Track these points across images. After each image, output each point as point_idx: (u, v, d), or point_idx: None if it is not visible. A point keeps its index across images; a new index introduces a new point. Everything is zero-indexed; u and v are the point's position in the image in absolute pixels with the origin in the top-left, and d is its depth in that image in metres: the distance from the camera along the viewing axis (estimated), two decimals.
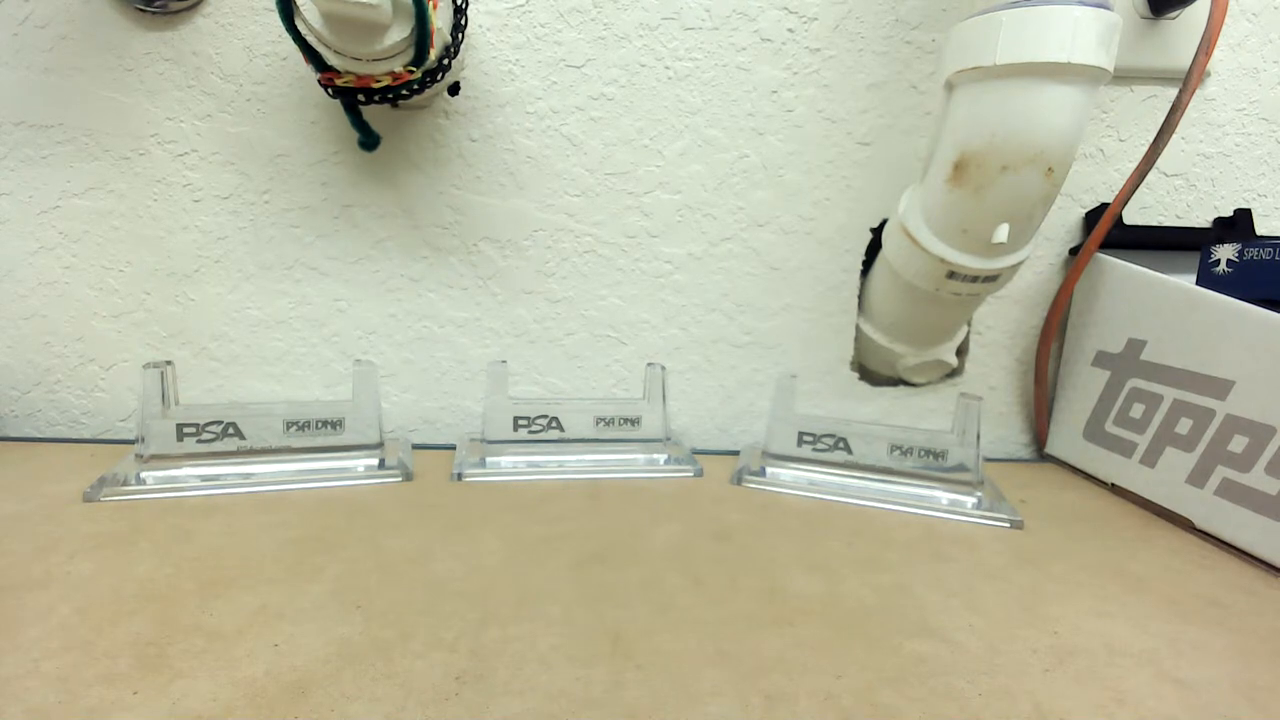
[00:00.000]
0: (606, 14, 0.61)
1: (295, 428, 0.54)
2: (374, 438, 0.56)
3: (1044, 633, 0.38)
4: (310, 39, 0.47)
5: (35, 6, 0.57)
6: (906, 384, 0.69)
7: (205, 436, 0.52)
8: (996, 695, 0.32)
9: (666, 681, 0.32)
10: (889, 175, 0.64)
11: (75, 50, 0.58)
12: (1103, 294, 0.62)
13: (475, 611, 0.37)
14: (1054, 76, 0.44)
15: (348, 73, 0.48)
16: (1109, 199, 0.65)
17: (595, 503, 0.52)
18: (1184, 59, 0.56)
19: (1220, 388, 0.51)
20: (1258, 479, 0.48)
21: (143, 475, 0.51)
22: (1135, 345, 0.59)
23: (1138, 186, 0.57)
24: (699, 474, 0.59)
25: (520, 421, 0.58)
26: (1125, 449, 0.59)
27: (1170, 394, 0.55)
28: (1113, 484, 0.60)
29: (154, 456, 0.51)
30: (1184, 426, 0.54)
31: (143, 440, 0.51)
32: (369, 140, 0.56)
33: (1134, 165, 0.58)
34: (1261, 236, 0.62)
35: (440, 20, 0.48)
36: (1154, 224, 0.66)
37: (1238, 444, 0.49)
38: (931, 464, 0.56)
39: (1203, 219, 0.67)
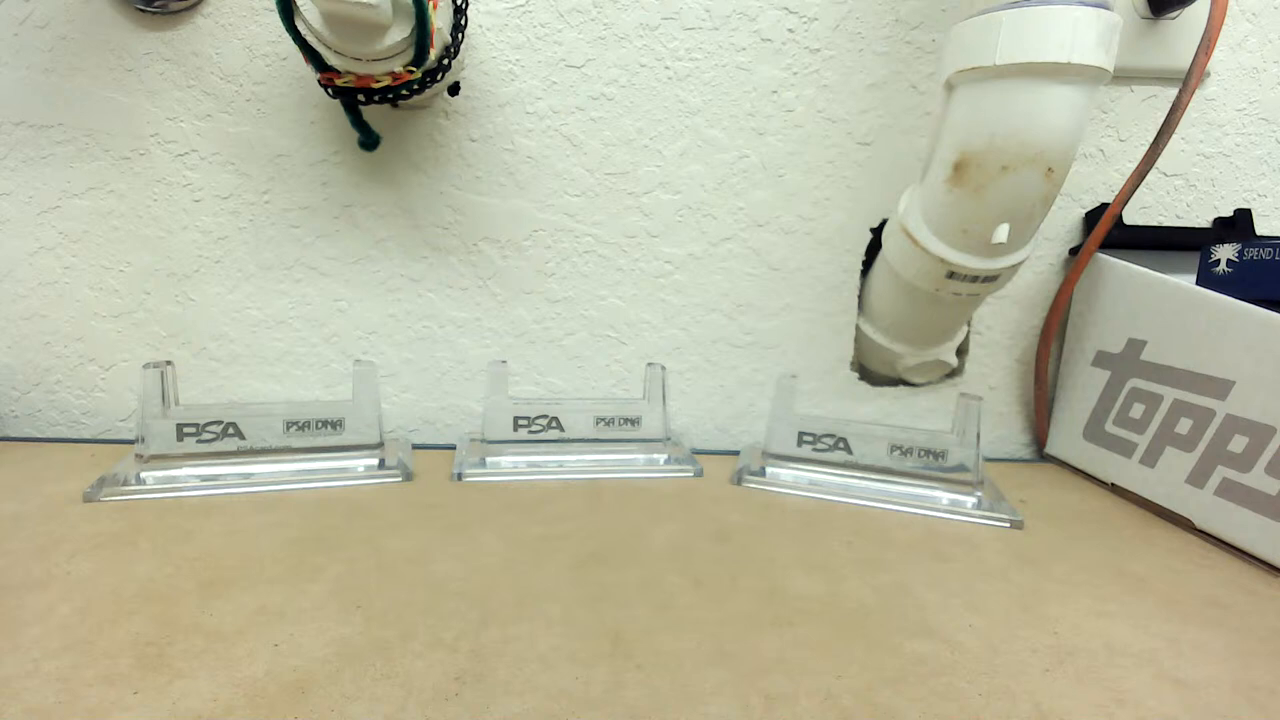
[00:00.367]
0: (606, 14, 0.61)
1: (295, 428, 0.54)
2: (374, 438, 0.56)
3: (1044, 633, 0.38)
4: (310, 39, 0.47)
5: (35, 6, 0.57)
6: (906, 384, 0.69)
7: (205, 436, 0.52)
8: (996, 695, 0.32)
9: (666, 681, 0.32)
10: (889, 175, 0.64)
11: (75, 50, 0.58)
12: (1103, 294, 0.62)
13: (475, 611, 0.37)
14: (1054, 76, 0.44)
15: (348, 73, 0.48)
16: (1109, 199, 0.65)
17: (595, 503, 0.52)
18: (1184, 59, 0.56)
19: (1220, 388, 0.51)
20: (1258, 479, 0.48)
21: (143, 475, 0.51)
22: (1135, 345, 0.59)
23: (1138, 186, 0.57)
24: (699, 474, 0.59)
25: (520, 421, 0.58)
26: (1125, 449, 0.59)
27: (1170, 394, 0.55)
28: (1113, 484, 0.60)
29: (154, 456, 0.51)
30: (1184, 426, 0.54)
31: (143, 440, 0.51)
32: (369, 140, 0.56)
33: (1134, 165, 0.58)
34: (1261, 236, 0.62)
35: (440, 20, 0.48)
36: (1154, 224, 0.66)
37: (1238, 444, 0.49)
38: (931, 464, 0.56)
39: (1203, 219, 0.67)
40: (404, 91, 0.51)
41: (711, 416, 0.68)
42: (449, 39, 0.51)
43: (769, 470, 0.58)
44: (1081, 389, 0.64)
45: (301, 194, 0.61)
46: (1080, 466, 0.64)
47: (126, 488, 0.50)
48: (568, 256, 0.64)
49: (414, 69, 0.48)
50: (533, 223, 0.64)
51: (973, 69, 0.46)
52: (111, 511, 0.47)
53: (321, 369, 0.64)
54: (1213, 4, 0.51)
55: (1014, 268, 0.53)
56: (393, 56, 0.48)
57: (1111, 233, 0.60)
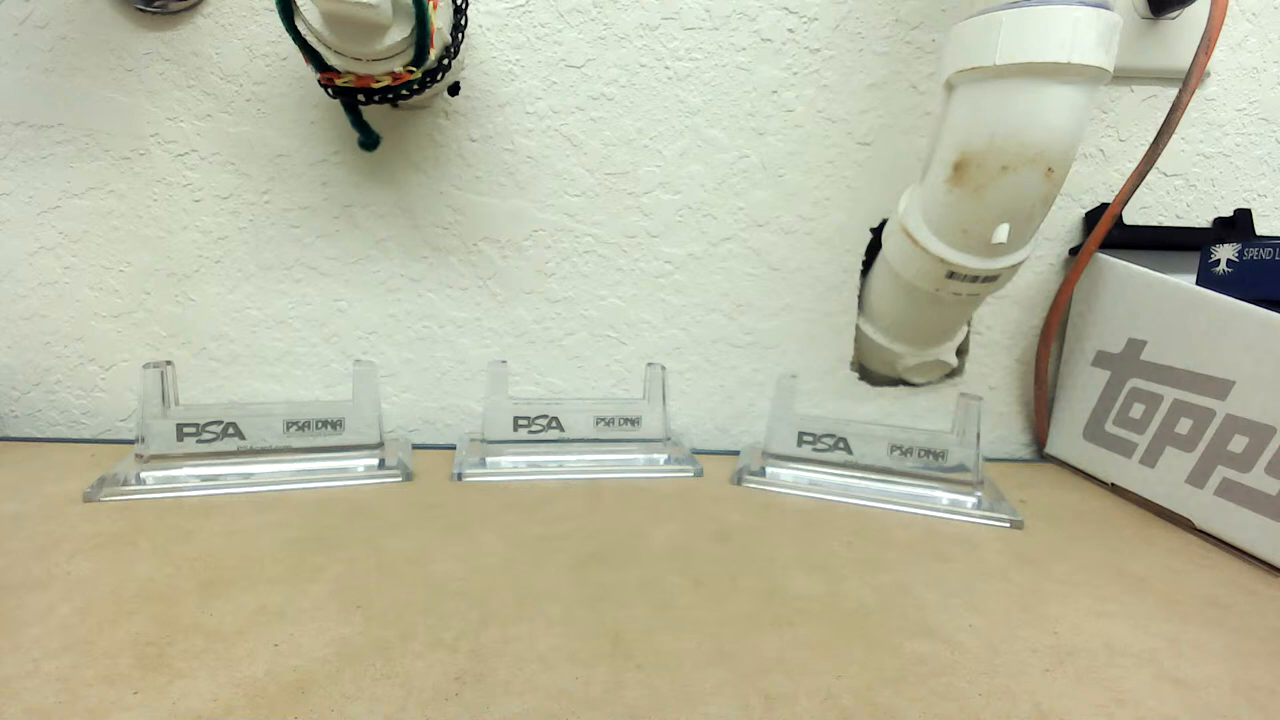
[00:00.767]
0: (606, 14, 0.61)
1: (295, 428, 0.54)
2: (374, 438, 0.56)
3: (1044, 633, 0.38)
4: (310, 39, 0.47)
5: (35, 6, 0.57)
6: (906, 384, 0.69)
7: (205, 436, 0.52)
8: (996, 695, 0.32)
9: (666, 681, 0.32)
10: (889, 175, 0.64)
11: (75, 50, 0.58)
12: (1103, 294, 0.62)
13: (475, 611, 0.37)
14: (1054, 76, 0.44)
15: (348, 73, 0.48)
16: (1109, 199, 0.65)
17: (595, 503, 0.52)
18: (1184, 59, 0.56)
19: (1220, 388, 0.51)
20: (1258, 479, 0.48)
21: (143, 475, 0.51)
22: (1135, 345, 0.59)
23: (1138, 186, 0.57)
24: (699, 474, 0.59)
25: (520, 421, 0.58)
26: (1125, 449, 0.59)
27: (1170, 394, 0.55)
28: (1113, 484, 0.60)
29: (154, 456, 0.51)
30: (1184, 426, 0.54)
31: (143, 440, 0.51)
32: (369, 140, 0.56)
33: (1134, 165, 0.58)
34: (1261, 236, 0.62)
35: (440, 20, 0.48)
36: (1154, 224, 0.66)
37: (1238, 444, 0.49)
38: (931, 464, 0.56)
39: (1203, 219, 0.67)
40: (404, 91, 0.51)
41: (711, 416, 0.68)
42: (449, 39, 0.51)
43: (769, 470, 0.58)
44: (1081, 389, 0.64)
45: (301, 194, 0.61)
46: (1080, 466, 0.64)
47: (126, 488, 0.50)
48: (568, 256, 0.64)
49: (414, 69, 0.48)
50: (533, 223, 0.64)
51: (973, 69, 0.46)
52: (111, 511, 0.47)
53: (321, 369, 0.64)
54: (1213, 4, 0.51)
55: (1014, 268, 0.53)
56: (393, 56, 0.48)
57: (1111, 233, 0.60)
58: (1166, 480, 0.55)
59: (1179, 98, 0.53)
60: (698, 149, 0.63)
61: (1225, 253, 0.55)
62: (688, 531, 0.48)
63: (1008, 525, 0.52)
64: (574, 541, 0.46)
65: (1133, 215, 0.66)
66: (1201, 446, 0.52)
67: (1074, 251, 0.66)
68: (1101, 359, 0.62)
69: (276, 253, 0.62)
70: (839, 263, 0.66)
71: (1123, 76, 0.63)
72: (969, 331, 0.68)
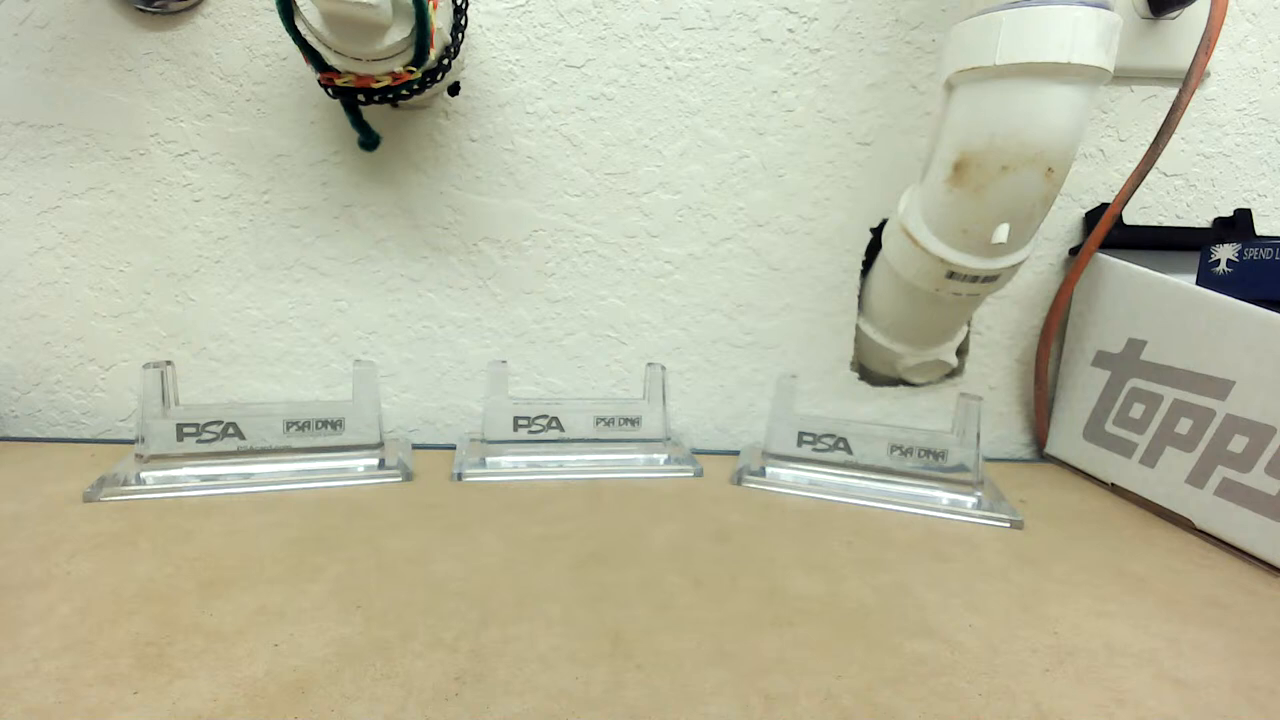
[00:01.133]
0: (606, 14, 0.61)
1: (295, 428, 0.54)
2: (374, 438, 0.56)
3: (1044, 633, 0.38)
4: (310, 39, 0.47)
5: (35, 6, 0.57)
6: (906, 384, 0.69)
7: (205, 436, 0.52)
8: (996, 695, 0.32)
9: (666, 681, 0.32)
10: (889, 175, 0.64)
11: (75, 50, 0.58)
12: (1103, 294, 0.62)
13: (475, 611, 0.37)
14: (1054, 76, 0.44)
15: (348, 73, 0.48)
16: (1109, 199, 0.65)
17: (595, 503, 0.52)
18: (1184, 59, 0.56)
19: (1220, 388, 0.51)
20: (1258, 479, 0.48)
21: (143, 475, 0.51)
22: (1135, 345, 0.59)
23: (1138, 186, 0.57)
24: (699, 474, 0.59)
25: (520, 421, 0.58)
26: (1125, 449, 0.59)
27: (1170, 394, 0.55)
28: (1113, 484, 0.60)
29: (154, 456, 0.51)
30: (1184, 426, 0.54)
31: (143, 440, 0.51)
32: (369, 140, 0.56)
33: (1134, 165, 0.58)
34: (1261, 236, 0.62)
35: (440, 20, 0.48)
36: (1154, 224, 0.66)
37: (1238, 444, 0.49)
38: (931, 464, 0.56)
39: (1203, 219, 0.67)
40: (404, 91, 0.51)
41: (711, 416, 0.68)
42: (449, 39, 0.51)
43: (769, 470, 0.58)
44: (1081, 389, 0.64)
45: (301, 194, 0.61)
46: (1080, 466, 0.64)
47: (126, 488, 0.50)
48: (568, 256, 0.64)
49: (414, 69, 0.48)
50: (533, 223, 0.64)
51: (973, 69, 0.46)
52: (111, 511, 0.47)
53: (321, 369, 0.64)
54: (1213, 4, 0.51)
55: (1014, 268, 0.53)
56: (393, 56, 0.48)
57: (1111, 233, 0.60)
58: (1166, 480, 0.55)
59: (1179, 98, 0.53)
60: (698, 149, 0.63)
61: (1225, 253, 0.55)
62: (688, 531, 0.48)
63: (1008, 525, 0.52)
64: (574, 541, 0.46)
65: (1133, 215, 0.66)
66: (1201, 446, 0.52)
67: (1074, 251, 0.66)
68: (1101, 359, 0.62)
69: (276, 253, 0.62)
70: (839, 263, 0.66)
71: (1123, 76, 0.63)
72: (969, 331, 0.68)
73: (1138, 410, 0.58)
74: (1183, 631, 0.39)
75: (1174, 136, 0.54)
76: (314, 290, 0.63)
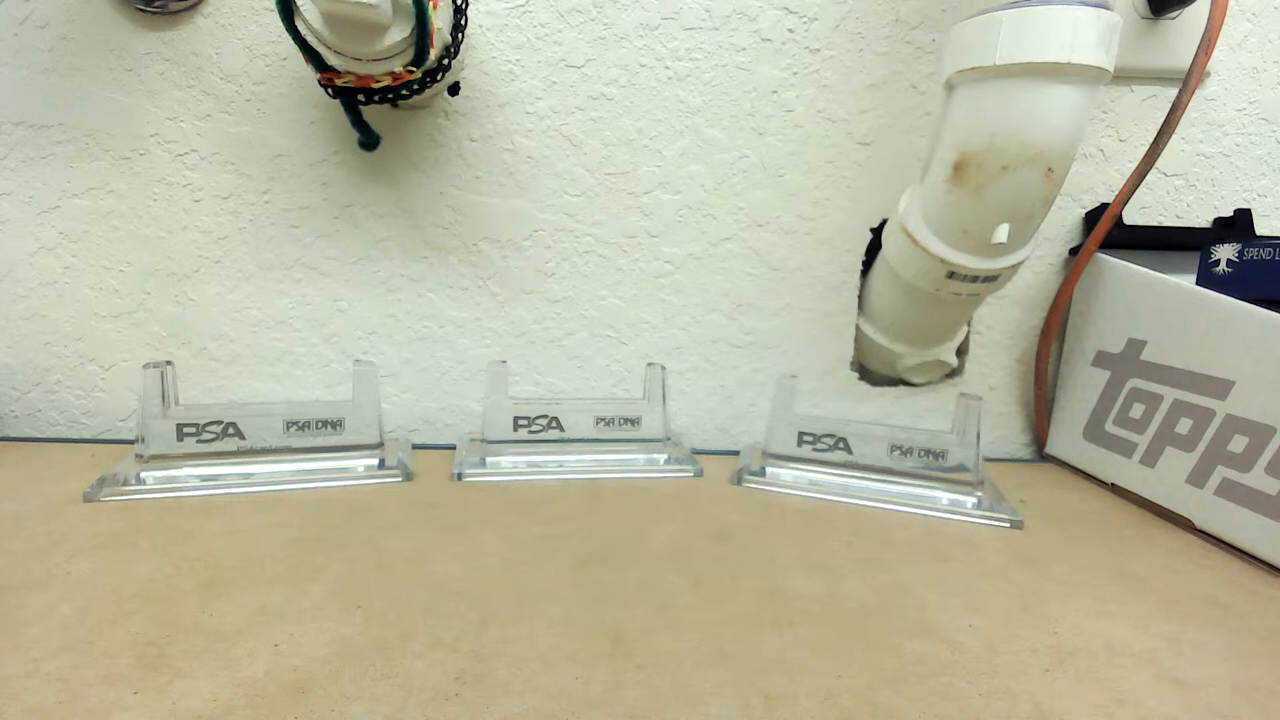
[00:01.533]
0: (606, 14, 0.61)
1: (295, 428, 0.54)
2: (374, 438, 0.56)
3: (1044, 633, 0.38)
4: (310, 39, 0.47)
5: (35, 6, 0.57)
6: (906, 384, 0.69)
7: (205, 436, 0.52)
8: (996, 695, 0.32)
9: (666, 681, 0.32)
10: (889, 175, 0.64)
11: (75, 50, 0.58)
12: (1103, 294, 0.62)
13: (475, 611, 0.37)
14: (1054, 76, 0.44)
15: (348, 73, 0.48)
16: (1109, 199, 0.65)
17: (595, 503, 0.52)
18: (1184, 59, 0.56)
19: (1220, 388, 0.51)
20: (1258, 479, 0.48)
21: (143, 475, 0.51)
22: (1135, 345, 0.59)
23: (1138, 186, 0.57)
24: (699, 474, 0.59)
25: (520, 421, 0.58)
26: (1125, 449, 0.59)
27: (1170, 394, 0.55)
28: (1113, 484, 0.60)
29: (154, 456, 0.51)
30: (1184, 426, 0.54)
31: (143, 440, 0.51)
32: (369, 140, 0.56)
33: (1134, 165, 0.58)
34: (1261, 236, 0.62)
35: (440, 20, 0.48)
36: (1154, 224, 0.66)
37: (1238, 444, 0.49)
38: (931, 464, 0.56)
39: (1203, 219, 0.67)
40: (404, 91, 0.51)
41: (711, 416, 0.68)
42: (449, 39, 0.51)
43: (769, 470, 0.58)
44: (1081, 389, 0.64)
45: (301, 194, 0.61)
46: (1080, 466, 0.64)
47: (126, 488, 0.50)
48: (568, 256, 0.64)
49: (414, 69, 0.48)
50: (533, 223, 0.64)
51: (973, 69, 0.46)
52: (111, 511, 0.47)
53: (321, 369, 0.64)
54: (1213, 4, 0.51)
55: (1014, 268, 0.53)
56: (393, 56, 0.48)
57: (1111, 233, 0.60)
58: (1166, 480, 0.55)
59: (1179, 98, 0.53)
60: (698, 149, 0.63)
61: (1225, 253, 0.55)
62: (688, 531, 0.48)
63: (1008, 525, 0.52)
64: (574, 541, 0.46)
65: (1133, 215, 0.66)
66: (1201, 446, 0.52)
67: (1074, 251, 0.66)
68: (1101, 359, 0.62)
69: (276, 253, 0.62)
70: (839, 263, 0.66)
71: (1123, 76, 0.63)
72: (969, 331, 0.68)
73: (1138, 410, 0.58)
74: (1183, 631, 0.39)
75: (1174, 136, 0.54)
76: (314, 290, 0.63)
